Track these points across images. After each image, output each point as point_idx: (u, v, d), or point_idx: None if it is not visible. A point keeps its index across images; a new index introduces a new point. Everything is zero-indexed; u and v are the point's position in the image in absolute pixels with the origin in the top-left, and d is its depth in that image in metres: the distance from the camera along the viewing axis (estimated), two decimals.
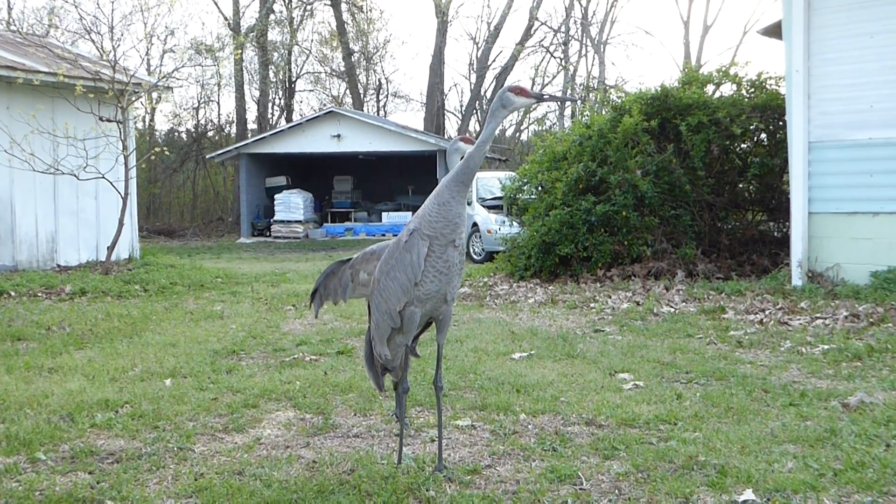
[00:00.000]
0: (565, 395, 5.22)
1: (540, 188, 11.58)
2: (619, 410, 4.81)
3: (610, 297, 9.26)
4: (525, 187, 11.92)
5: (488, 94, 41.12)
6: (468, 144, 4.81)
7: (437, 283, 3.72)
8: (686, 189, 10.51)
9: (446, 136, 38.61)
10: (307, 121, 26.98)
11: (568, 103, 34.80)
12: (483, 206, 17.56)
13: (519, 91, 3.60)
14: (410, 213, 27.17)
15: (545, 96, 3.63)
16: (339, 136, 26.32)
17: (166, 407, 5.04)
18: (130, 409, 4.98)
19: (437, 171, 25.21)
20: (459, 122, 40.89)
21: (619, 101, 11.33)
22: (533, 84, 40.14)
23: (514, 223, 12.44)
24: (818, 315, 7.70)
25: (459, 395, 5.27)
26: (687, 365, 6.04)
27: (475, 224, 17.59)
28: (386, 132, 26.07)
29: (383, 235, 26.37)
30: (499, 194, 16.08)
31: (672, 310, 8.40)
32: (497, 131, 3.68)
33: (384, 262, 3.81)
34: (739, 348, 6.69)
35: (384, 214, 27.53)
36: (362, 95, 38.88)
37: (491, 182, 18.80)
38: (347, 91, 39.07)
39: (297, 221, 26.72)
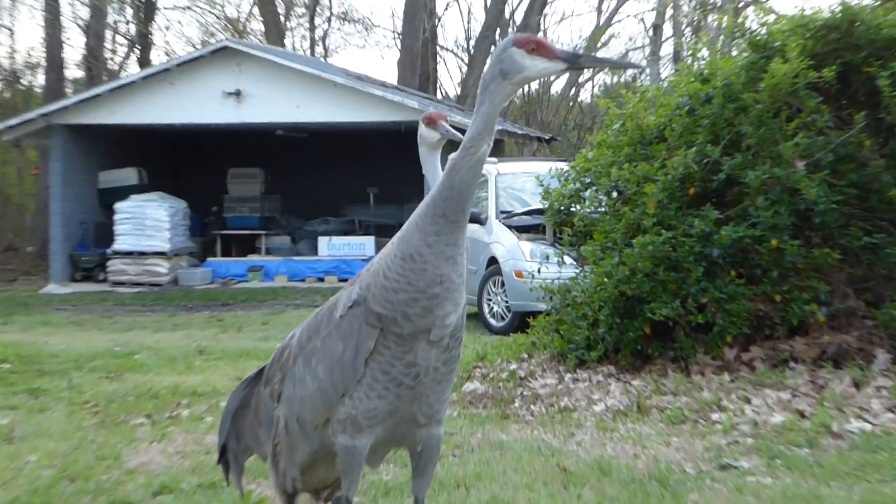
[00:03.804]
0: None
1: (615, 193, 11.62)
2: None
3: (748, 402, 9.23)
4: (587, 192, 11.94)
5: (517, 20, 41.46)
6: (432, 131, 5.43)
7: (393, 399, 3.87)
8: (892, 196, 10.48)
9: (440, 96, 38.70)
10: (180, 65, 27.18)
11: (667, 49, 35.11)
12: (507, 227, 17.52)
13: (533, 46, 3.63)
14: (372, 238, 27.18)
15: (581, 58, 3.65)
16: (238, 93, 26.47)
17: None
18: None
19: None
20: (464, 71, 41.03)
21: (764, 32, 11.35)
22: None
23: (567, 258, 12.39)
24: None
25: None
26: None
27: (492, 261, 17.55)
28: (327, 88, 26.21)
29: (321, 280, 26.29)
30: (536, 205, 16.01)
31: (869, 426, 8.36)
32: (498, 115, 3.80)
33: (304, 333, 4.12)
34: None
35: (323, 241, 27.63)
36: (283, 20, 39.18)
37: (520, 181, 18.80)
38: (256, 13, 39.37)
39: (157, 253, 26.78)
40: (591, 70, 41.79)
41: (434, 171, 5.68)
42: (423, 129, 5.61)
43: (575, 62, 3.67)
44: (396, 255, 3.83)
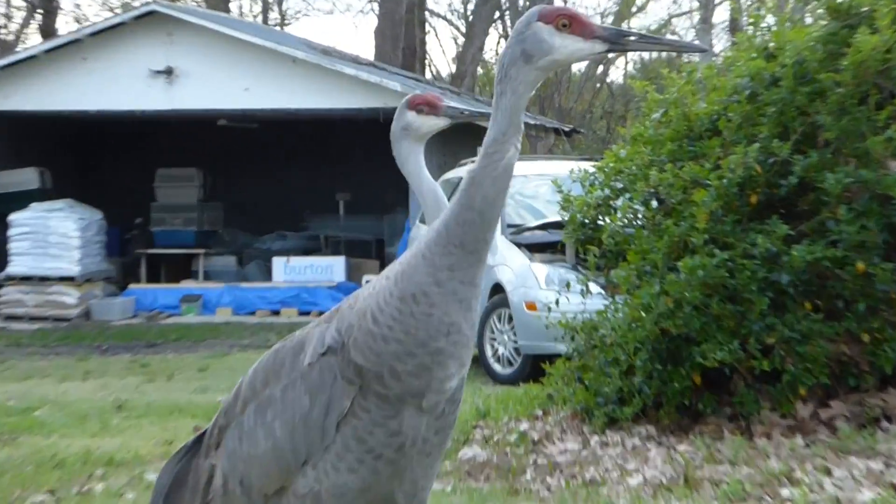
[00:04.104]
0: None
1: (655, 202, 11.65)
2: None
3: (828, 473, 9.18)
4: (619, 201, 11.96)
5: None
6: (431, 118, 5.53)
7: (367, 475, 3.86)
8: None
9: (429, 76, 38.63)
10: (94, 35, 27.16)
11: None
12: (515, 245, 17.50)
13: (565, 21, 3.62)
14: (342, 259, 27.14)
15: (628, 37, 3.63)
16: (169, 71, 26.44)
17: None
18: None
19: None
20: (461, 44, 41.08)
21: None
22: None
23: (593, 285, 12.41)
24: None
25: None
26: None
27: (497, 288, 17.52)
28: (284, 65, 26.19)
29: (275, 314, 26.22)
30: (553, 217, 15.99)
31: None
32: (524, 108, 3.78)
33: (259, 375, 4.14)
34: None
35: (279, 263, 27.55)
36: None
37: (532, 185, 18.80)
38: None
39: (63, 278, 26.69)
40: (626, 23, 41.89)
41: (419, 171, 5.60)
42: (411, 117, 5.57)
43: (618, 43, 3.64)
44: (393, 294, 3.80)
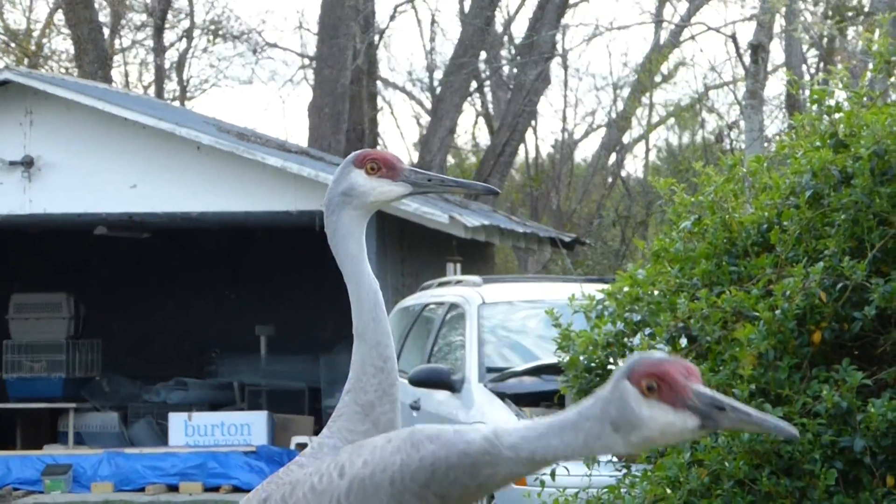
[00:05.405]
0: None
1: (684, 340, 11.70)
2: None
3: None
4: (636, 338, 12.04)
5: (515, 36, 42.04)
6: (374, 177, 5.29)
7: None
8: None
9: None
10: None
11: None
12: (497, 395, 17.53)
13: (652, 384, 3.65)
14: (264, 415, 27.09)
15: (726, 410, 3.67)
16: (28, 163, 26.44)
17: None
18: None
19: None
20: (425, 125, 41.29)
21: None
22: None
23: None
24: None
25: None
26: None
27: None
28: (185, 153, 26.26)
29: (173, 489, 26.10)
30: (547, 359, 16.03)
31: None
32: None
33: None
34: None
35: (177, 421, 27.47)
36: (108, 36, 39.41)
37: (520, 315, 18.87)
38: (60, 21, 39.62)
39: None
40: (643, 127, 42.24)
41: (360, 258, 5.40)
42: (358, 178, 5.38)
43: (712, 418, 3.64)
44: None
